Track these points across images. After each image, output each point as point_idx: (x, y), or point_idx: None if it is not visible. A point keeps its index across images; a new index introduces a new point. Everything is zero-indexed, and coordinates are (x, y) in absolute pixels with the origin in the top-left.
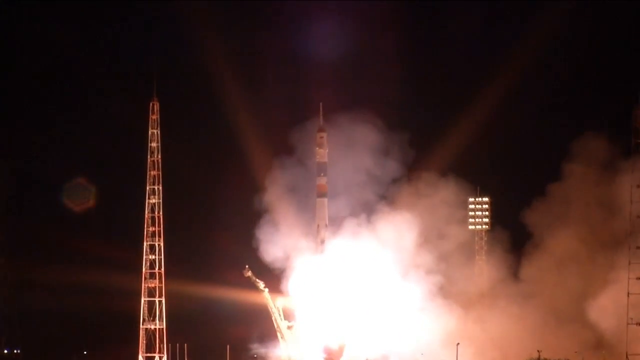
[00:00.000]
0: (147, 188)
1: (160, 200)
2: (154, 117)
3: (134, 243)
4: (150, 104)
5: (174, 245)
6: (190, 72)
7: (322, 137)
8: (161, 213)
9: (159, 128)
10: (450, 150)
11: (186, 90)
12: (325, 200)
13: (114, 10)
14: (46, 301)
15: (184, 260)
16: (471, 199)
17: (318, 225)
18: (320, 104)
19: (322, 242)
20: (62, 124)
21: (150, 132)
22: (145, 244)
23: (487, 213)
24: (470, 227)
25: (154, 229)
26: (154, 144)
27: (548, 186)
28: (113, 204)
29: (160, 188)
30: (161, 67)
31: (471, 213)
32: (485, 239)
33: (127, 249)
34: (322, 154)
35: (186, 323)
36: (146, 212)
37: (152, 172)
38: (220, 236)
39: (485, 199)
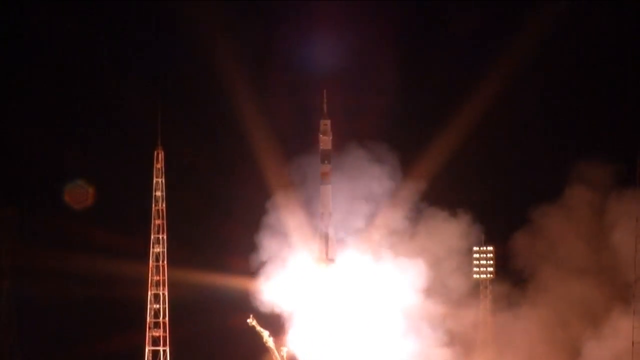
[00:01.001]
0: (152, 237)
1: (165, 250)
2: (159, 165)
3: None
4: (155, 153)
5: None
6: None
7: (325, 125)
8: (166, 262)
9: (163, 177)
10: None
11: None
12: (329, 187)
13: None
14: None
15: (190, 310)
16: (476, 248)
17: (322, 213)
18: (324, 91)
19: (327, 231)
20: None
21: (154, 181)
22: (149, 292)
23: (491, 262)
24: (475, 276)
25: (158, 277)
26: (158, 193)
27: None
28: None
29: (165, 237)
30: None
31: (475, 262)
32: (490, 287)
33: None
34: (326, 141)
35: None
36: (150, 261)
37: (156, 221)
38: (224, 281)
39: (490, 248)
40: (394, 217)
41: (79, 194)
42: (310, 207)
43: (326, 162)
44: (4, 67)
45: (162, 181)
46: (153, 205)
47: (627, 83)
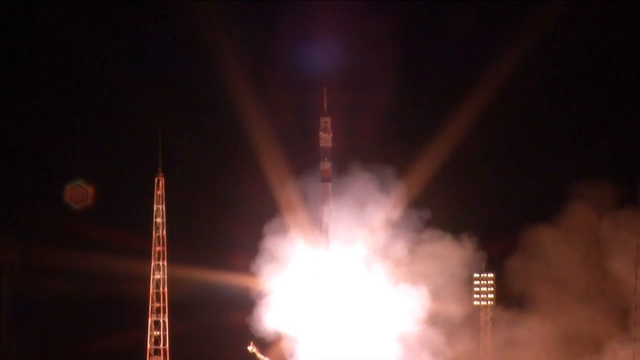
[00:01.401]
0: (152, 264)
1: (166, 276)
2: (159, 192)
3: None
4: (155, 179)
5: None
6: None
7: (325, 122)
8: (166, 288)
9: (164, 204)
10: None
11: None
12: (330, 185)
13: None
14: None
15: (190, 343)
16: (476, 275)
17: (322, 210)
18: (324, 88)
19: (326, 228)
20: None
21: (155, 208)
22: (150, 319)
23: (492, 289)
24: (475, 302)
25: (159, 304)
26: (159, 220)
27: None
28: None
29: (166, 264)
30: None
31: (476, 289)
32: (491, 314)
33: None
34: (326, 138)
35: None
36: (151, 288)
37: (157, 248)
38: (226, 315)
39: (490, 275)
40: (395, 245)
41: (79, 192)
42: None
43: (326, 159)
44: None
45: (162, 208)
46: (154, 232)
47: (627, 102)
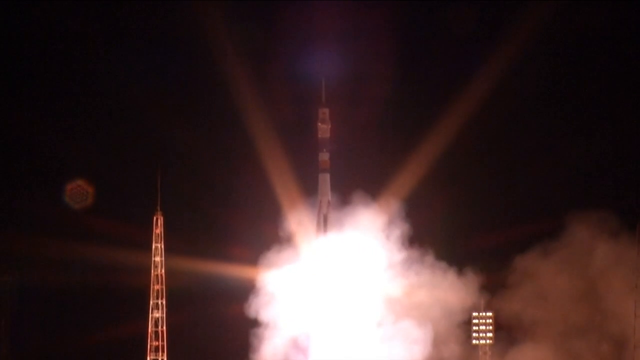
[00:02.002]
0: (151, 302)
1: (164, 315)
2: (158, 231)
3: None
4: (154, 218)
5: None
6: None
7: (324, 113)
8: (164, 327)
9: (162, 242)
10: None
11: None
12: (328, 175)
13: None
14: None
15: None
16: (475, 314)
17: (320, 201)
18: (322, 80)
19: (325, 218)
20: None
21: (153, 247)
22: (148, 358)
23: (490, 327)
24: (474, 341)
25: (157, 343)
26: (157, 258)
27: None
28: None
29: (164, 302)
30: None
31: (475, 328)
32: (489, 353)
33: None
34: (324, 129)
35: None
36: (150, 327)
37: (155, 286)
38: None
39: (489, 314)
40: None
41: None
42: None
43: (325, 149)
44: None
45: (161, 246)
46: (152, 270)
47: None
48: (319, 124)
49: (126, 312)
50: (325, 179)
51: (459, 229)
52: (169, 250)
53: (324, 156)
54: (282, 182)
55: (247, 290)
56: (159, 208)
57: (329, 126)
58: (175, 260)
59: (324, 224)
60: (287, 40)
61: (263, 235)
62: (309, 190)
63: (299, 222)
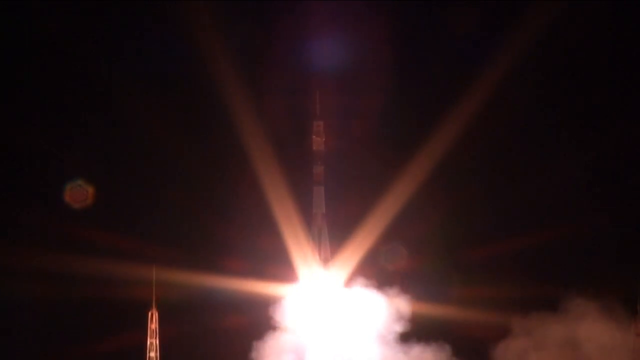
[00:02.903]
0: None
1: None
2: (153, 326)
3: None
4: (149, 313)
5: None
6: None
7: (319, 126)
8: None
9: (157, 338)
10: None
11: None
12: (322, 188)
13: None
14: None
15: None
16: None
17: (315, 214)
18: (317, 92)
19: (320, 230)
20: None
21: (148, 342)
22: None
23: None
24: None
25: None
26: (152, 354)
27: None
28: None
29: None
30: None
31: None
32: None
33: None
34: (319, 142)
35: None
36: None
37: None
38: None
39: None
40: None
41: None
42: None
43: (319, 162)
44: None
45: (155, 342)
46: None
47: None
48: (314, 136)
49: None
50: (319, 192)
51: (455, 241)
52: (165, 264)
53: (318, 169)
54: (276, 195)
55: (243, 303)
56: (154, 305)
57: (324, 139)
58: (171, 272)
59: (318, 237)
60: (282, 52)
61: (257, 248)
62: (303, 203)
63: (294, 235)
